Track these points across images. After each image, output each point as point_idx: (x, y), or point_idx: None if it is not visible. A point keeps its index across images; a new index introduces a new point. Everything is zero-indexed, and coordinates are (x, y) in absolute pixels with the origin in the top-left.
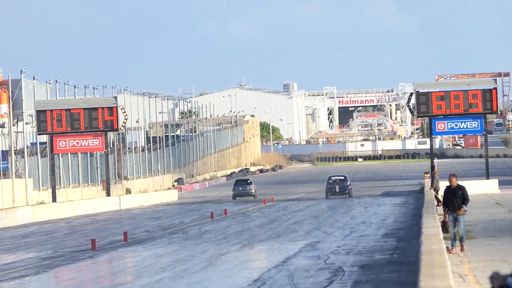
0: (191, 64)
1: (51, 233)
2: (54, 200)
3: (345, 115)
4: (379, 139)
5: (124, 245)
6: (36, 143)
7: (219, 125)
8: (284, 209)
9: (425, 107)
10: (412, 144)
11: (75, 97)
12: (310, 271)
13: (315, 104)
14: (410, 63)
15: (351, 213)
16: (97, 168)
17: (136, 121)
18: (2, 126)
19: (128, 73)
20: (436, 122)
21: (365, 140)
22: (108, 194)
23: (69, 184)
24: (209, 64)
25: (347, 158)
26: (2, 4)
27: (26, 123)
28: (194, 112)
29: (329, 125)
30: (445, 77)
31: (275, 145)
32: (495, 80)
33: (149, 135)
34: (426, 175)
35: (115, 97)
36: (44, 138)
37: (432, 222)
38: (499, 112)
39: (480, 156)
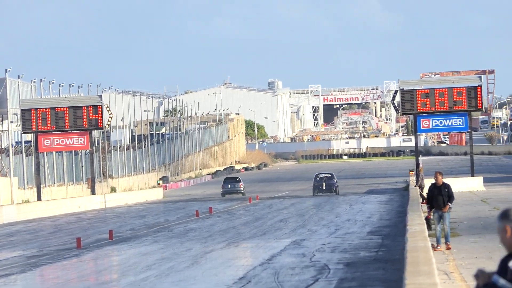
0: (176, 62)
1: (36, 231)
2: (39, 198)
3: (330, 113)
4: (364, 136)
5: (109, 243)
6: (21, 142)
7: (204, 123)
8: (269, 207)
9: (410, 104)
10: (397, 142)
11: (60, 96)
12: (296, 268)
13: (300, 102)
14: (394, 61)
15: (336, 211)
16: (82, 166)
17: (121, 120)
18: None
19: (113, 71)
20: (421, 119)
21: (350, 137)
22: (93, 192)
23: (54, 183)
24: (194, 62)
25: (332, 156)
26: None
27: (11, 122)
28: (179, 110)
29: (314, 123)
30: (429, 75)
31: (260, 143)
32: (480, 77)
33: (134, 134)
34: (411, 172)
35: (100, 96)
36: (29, 137)
37: (417, 219)
38: (484, 110)
39: (465, 154)
